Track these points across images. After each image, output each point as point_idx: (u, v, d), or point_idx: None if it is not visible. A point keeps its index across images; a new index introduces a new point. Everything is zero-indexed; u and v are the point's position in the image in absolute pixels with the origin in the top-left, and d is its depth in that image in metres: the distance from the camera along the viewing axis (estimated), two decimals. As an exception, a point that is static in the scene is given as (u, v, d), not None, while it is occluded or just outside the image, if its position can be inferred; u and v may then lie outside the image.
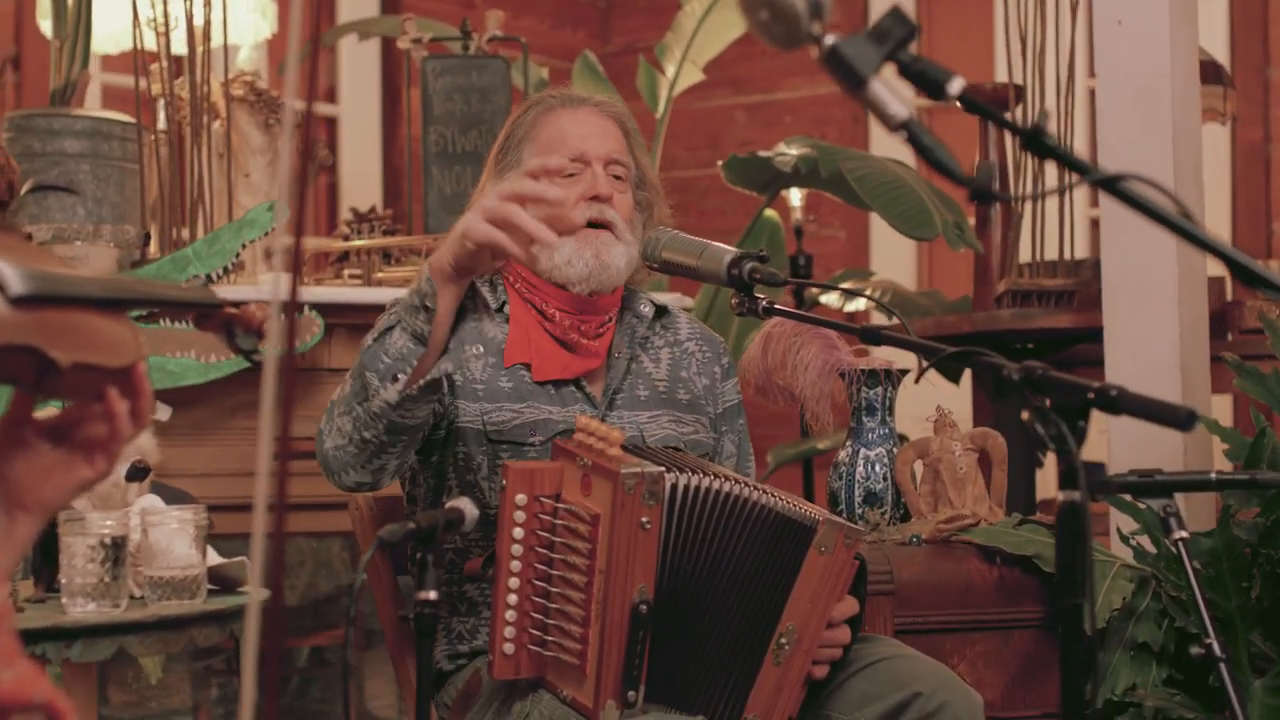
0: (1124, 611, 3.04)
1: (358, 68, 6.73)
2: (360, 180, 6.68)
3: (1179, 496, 3.47)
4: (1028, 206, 4.19)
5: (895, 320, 4.50)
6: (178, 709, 4.55)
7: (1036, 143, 1.55)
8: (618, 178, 2.75)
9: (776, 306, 2.49)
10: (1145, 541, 3.15)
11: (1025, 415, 1.91)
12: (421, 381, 2.43)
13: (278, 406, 1.51)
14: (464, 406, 2.66)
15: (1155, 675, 3.01)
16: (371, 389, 2.46)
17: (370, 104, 6.75)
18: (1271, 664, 3.10)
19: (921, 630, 2.97)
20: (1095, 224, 4.93)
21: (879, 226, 7.00)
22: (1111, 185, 1.56)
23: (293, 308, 1.48)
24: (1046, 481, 4.65)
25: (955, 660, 3.00)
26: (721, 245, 2.58)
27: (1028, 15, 4.25)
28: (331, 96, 6.79)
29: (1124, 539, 3.19)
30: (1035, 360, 1.93)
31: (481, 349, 2.70)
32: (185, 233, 4.02)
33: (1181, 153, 3.81)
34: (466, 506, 2.18)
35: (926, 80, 1.55)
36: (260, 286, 3.94)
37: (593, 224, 2.70)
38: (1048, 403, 1.92)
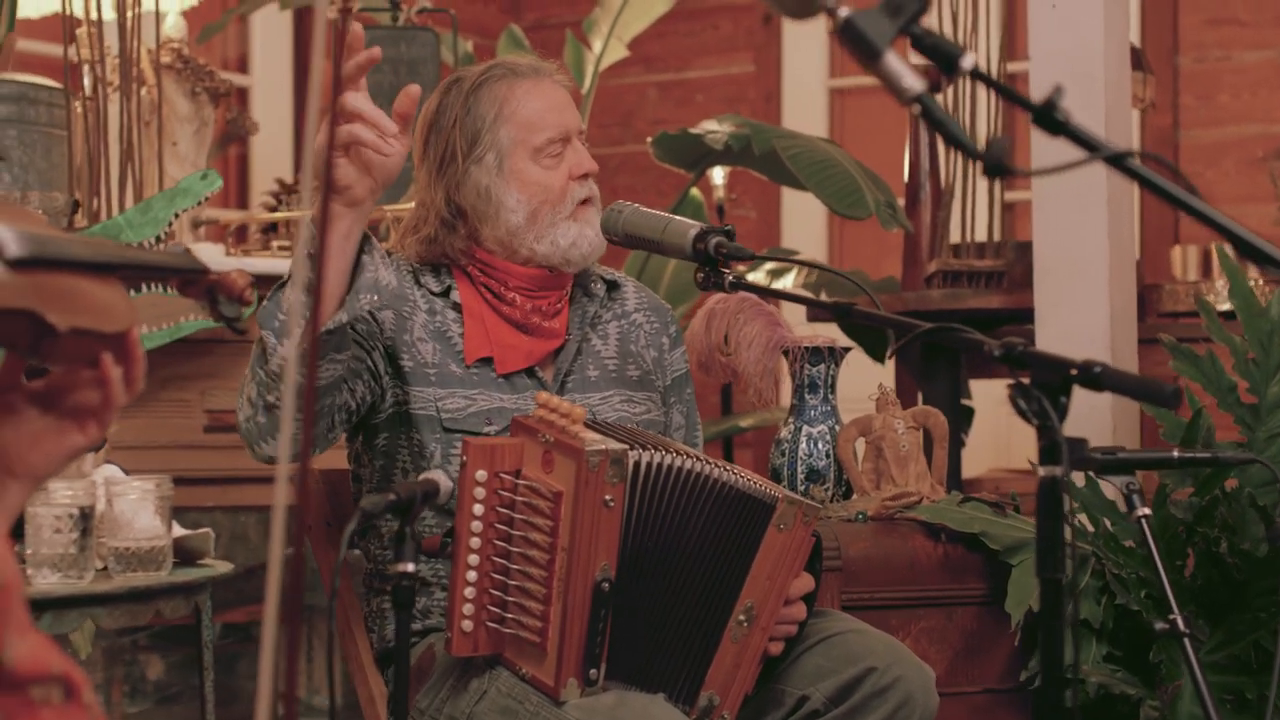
0: (1065, 589, 3.06)
1: (270, 38, 6.64)
2: (271, 152, 6.59)
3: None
4: (958, 189, 4.21)
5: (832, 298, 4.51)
6: (95, 685, 4.48)
7: (1047, 119, 1.55)
8: (583, 144, 2.74)
9: (744, 281, 2.48)
10: (1085, 519, 3.18)
11: (1008, 390, 1.92)
12: (325, 329, 2.38)
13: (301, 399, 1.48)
14: (416, 392, 2.62)
15: (1096, 651, 3.04)
16: (270, 348, 2.41)
17: (282, 74, 6.67)
18: (1202, 643, 3.14)
19: (868, 606, 2.98)
20: (1007, 208, 4.95)
21: (790, 206, 7.03)
22: (1119, 162, 1.57)
23: (319, 279, 1.45)
24: (969, 460, 4.69)
25: (900, 636, 3.00)
26: (685, 219, 2.58)
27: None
28: (243, 67, 6.70)
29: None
30: (1017, 337, 1.94)
31: (440, 346, 2.66)
32: (97, 202, 3.94)
33: (1113, 136, 3.85)
34: (441, 479, 2.15)
35: (940, 54, 1.55)
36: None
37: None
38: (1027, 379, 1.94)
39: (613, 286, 2.85)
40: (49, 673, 1.29)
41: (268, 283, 3.80)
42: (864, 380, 3.89)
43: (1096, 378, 1.88)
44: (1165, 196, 1.55)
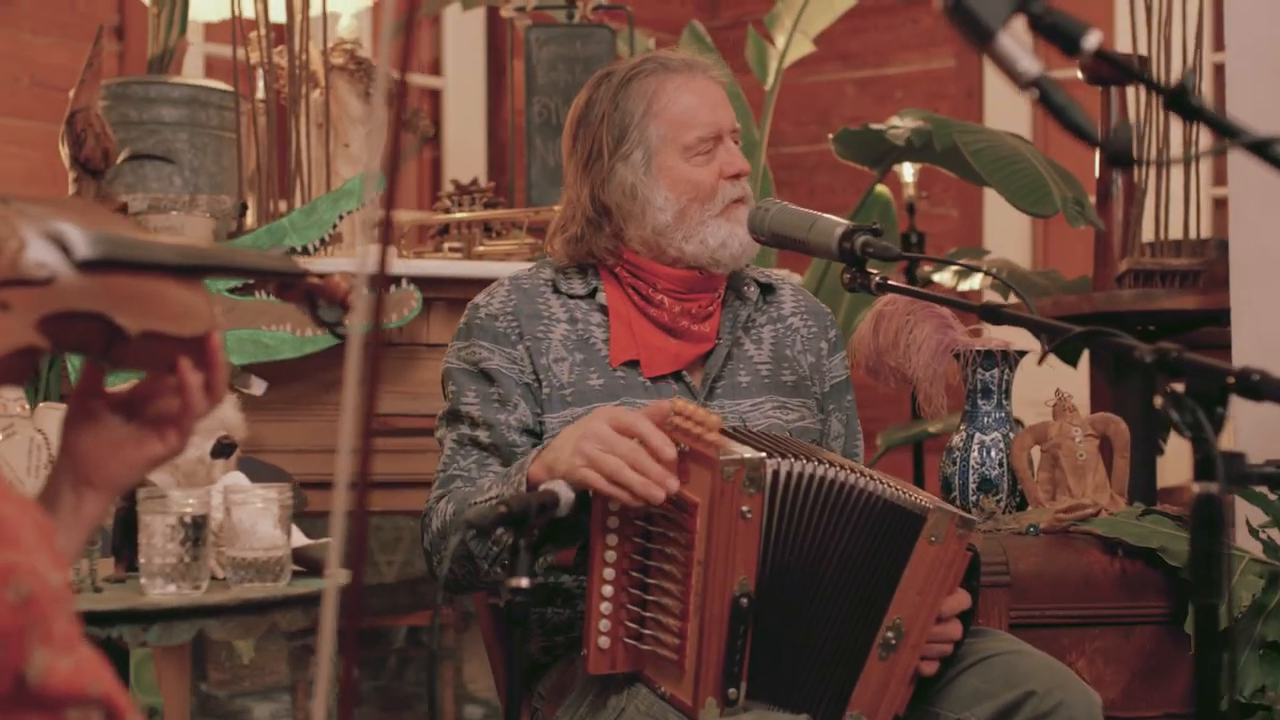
0: (1253, 608, 2.88)
1: (463, 39, 6.64)
2: (464, 153, 6.59)
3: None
4: (1151, 183, 4.01)
5: (1014, 299, 4.34)
6: (273, 686, 4.49)
7: (1181, 103, 1.42)
8: (736, 143, 2.63)
9: (890, 282, 2.36)
10: (1276, 534, 2.99)
11: (1158, 400, 1.78)
12: None
13: (363, 384, 1.41)
14: (551, 418, 2.53)
15: (1286, 676, 2.85)
16: (482, 570, 2.41)
17: (475, 75, 6.66)
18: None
19: (1038, 625, 2.83)
20: (1218, 203, 4.74)
21: (993, 204, 6.83)
22: (1264, 150, 1.42)
23: (382, 282, 1.38)
24: (1166, 470, 4.48)
25: (1073, 656, 2.86)
26: (832, 218, 2.46)
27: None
28: (436, 69, 6.70)
29: (1253, 532, 3.03)
30: (1168, 342, 1.80)
31: (581, 356, 2.57)
32: (283, 205, 3.94)
33: (1317, 127, 3.64)
34: (561, 489, 2.07)
35: (1060, 34, 1.42)
36: (352, 259, 3.86)
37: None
38: (1182, 387, 1.79)
39: (767, 290, 2.74)
40: (86, 695, 1.23)
41: (432, 284, 3.79)
42: (1058, 384, 3.70)
43: (1255, 386, 1.73)
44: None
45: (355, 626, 1.33)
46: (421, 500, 4.05)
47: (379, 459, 3.83)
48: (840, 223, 2.43)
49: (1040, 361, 2.19)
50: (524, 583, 1.96)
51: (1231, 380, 1.74)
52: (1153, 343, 1.83)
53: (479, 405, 2.54)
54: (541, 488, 2.09)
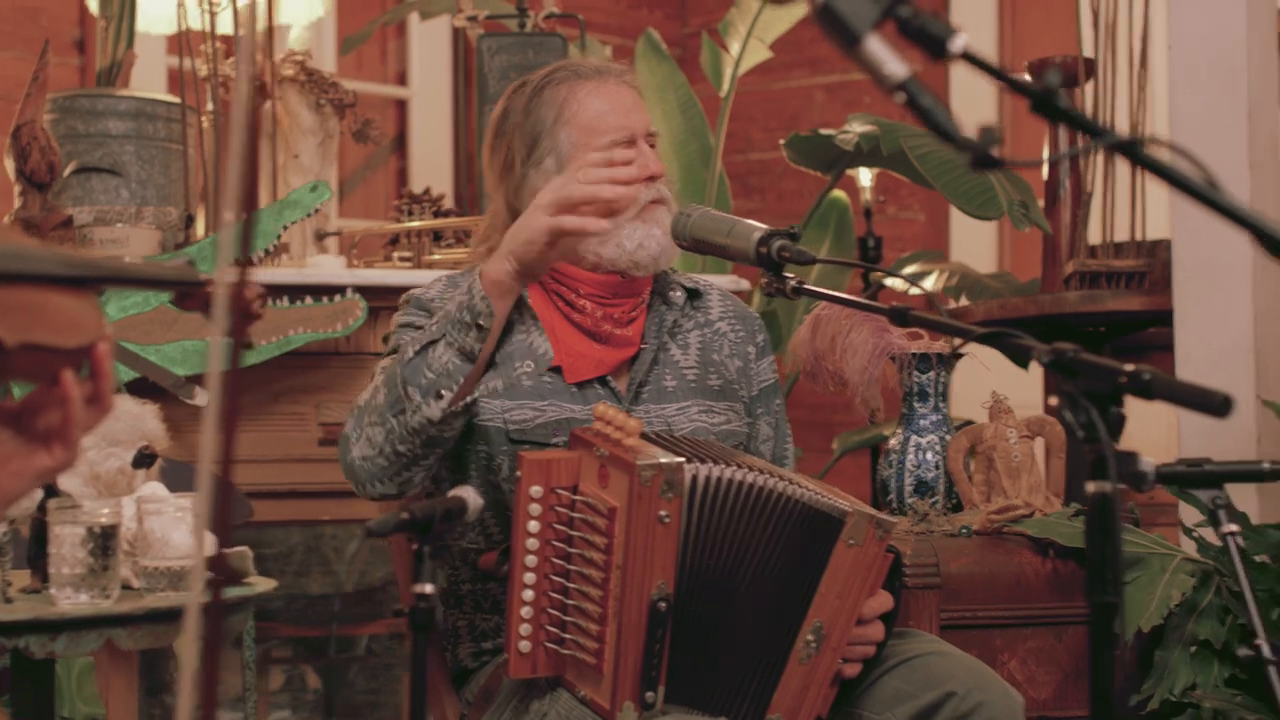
0: (1184, 607, 2.90)
1: (428, 49, 6.64)
2: (431, 164, 6.59)
3: (1253, 488, 3.33)
4: (1098, 185, 4.02)
5: (963, 302, 4.36)
6: (235, 697, 4.48)
7: (1047, 105, 1.43)
8: (651, 147, 2.64)
9: (805, 287, 2.36)
10: (1209, 534, 3.01)
11: (1053, 400, 1.79)
12: (469, 399, 2.35)
13: (225, 398, 1.42)
14: (484, 403, 2.55)
15: (1217, 674, 2.86)
16: (412, 404, 2.36)
17: (441, 85, 6.66)
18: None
19: (970, 625, 2.85)
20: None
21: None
22: (1129, 149, 1.43)
23: (240, 293, 1.39)
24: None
25: (1006, 657, 2.87)
26: (751, 222, 2.46)
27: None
28: (402, 79, 6.70)
29: (1187, 531, 3.04)
30: (1068, 343, 1.80)
31: (532, 364, 2.58)
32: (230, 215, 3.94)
33: (1257, 128, 3.66)
34: (470, 495, 2.07)
35: (927, 37, 1.43)
36: (306, 270, 3.86)
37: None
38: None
39: (694, 294, 2.75)
40: None
41: (378, 293, 3.80)
42: (1016, 386, 3.70)
43: (1146, 385, 1.74)
44: (1180, 187, 1.42)
45: (218, 634, 1.34)
46: (372, 509, 4.06)
47: (329, 468, 3.85)
48: (758, 227, 2.44)
49: (948, 362, 2.20)
50: (428, 589, 1.96)
51: (1124, 379, 1.75)
52: (1050, 343, 1.83)
53: (424, 321, 2.55)
54: (450, 494, 2.09)
